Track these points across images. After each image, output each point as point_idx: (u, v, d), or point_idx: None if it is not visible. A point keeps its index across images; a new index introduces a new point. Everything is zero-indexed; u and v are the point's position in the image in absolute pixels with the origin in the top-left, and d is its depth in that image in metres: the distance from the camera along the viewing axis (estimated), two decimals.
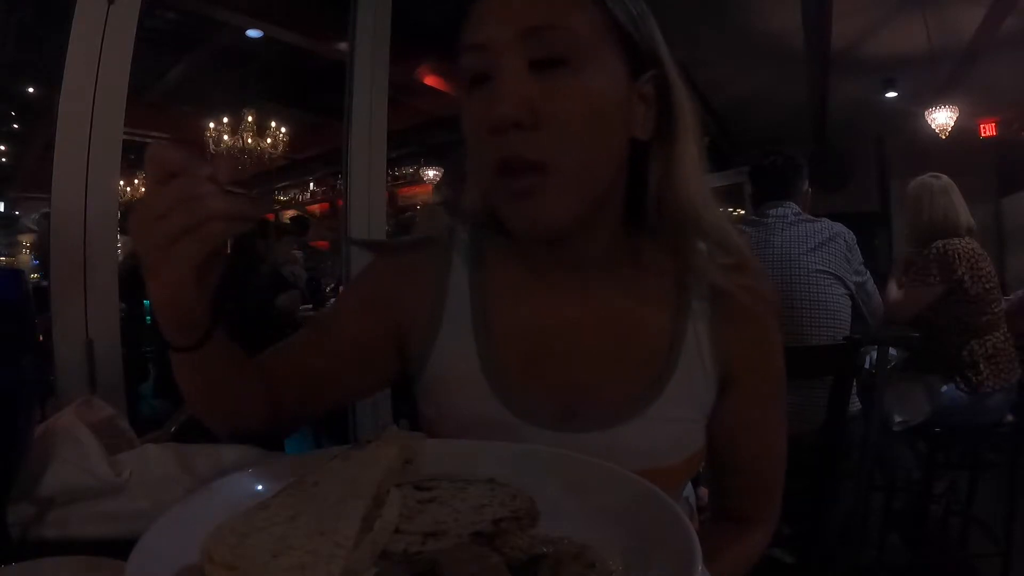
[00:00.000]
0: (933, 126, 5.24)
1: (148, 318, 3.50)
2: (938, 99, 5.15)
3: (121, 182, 2.97)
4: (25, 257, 6.60)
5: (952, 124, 5.20)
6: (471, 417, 0.67)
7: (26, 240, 6.77)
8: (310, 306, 3.94)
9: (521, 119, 0.57)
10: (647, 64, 0.64)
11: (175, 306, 0.52)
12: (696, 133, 0.66)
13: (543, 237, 0.64)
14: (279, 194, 8.63)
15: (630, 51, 0.63)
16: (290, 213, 8.34)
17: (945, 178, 2.37)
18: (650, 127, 0.65)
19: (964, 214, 2.31)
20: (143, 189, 0.52)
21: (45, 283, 1.37)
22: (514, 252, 0.70)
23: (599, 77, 0.60)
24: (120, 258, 1.61)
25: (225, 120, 5.95)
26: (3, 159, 6.37)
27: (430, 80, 4.79)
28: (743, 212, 4.36)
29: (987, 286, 2.22)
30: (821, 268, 1.98)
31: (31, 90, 5.00)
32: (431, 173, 6.70)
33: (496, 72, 0.59)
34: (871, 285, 2.15)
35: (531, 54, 0.58)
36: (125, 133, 1.38)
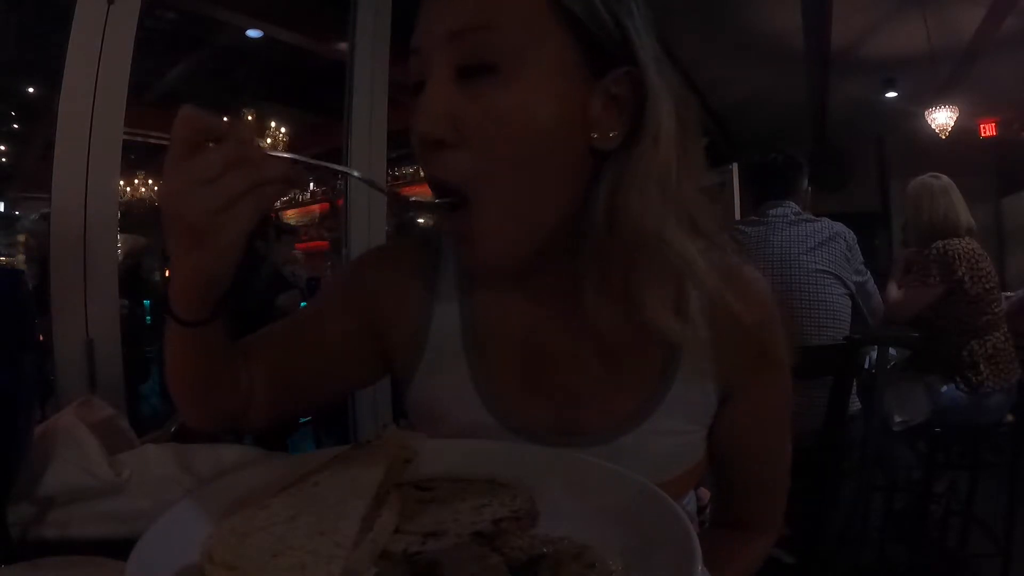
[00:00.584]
0: (933, 126, 5.24)
1: (148, 318, 3.50)
2: (938, 99, 5.15)
3: (121, 182, 2.97)
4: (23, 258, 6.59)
5: (952, 124, 5.20)
6: (464, 433, 0.63)
7: (26, 240, 6.76)
8: None
9: (443, 136, 0.52)
10: (618, 59, 0.54)
11: (208, 274, 0.50)
12: (671, 144, 0.55)
13: (499, 269, 0.60)
14: None
15: (590, 43, 0.53)
16: (291, 213, 8.33)
17: (945, 178, 2.37)
18: (623, 134, 0.55)
19: (964, 214, 2.31)
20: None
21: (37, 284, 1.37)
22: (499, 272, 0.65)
23: (539, 85, 0.52)
24: (120, 258, 1.61)
25: (225, 120, 5.93)
26: (3, 159, 6.37)
27: None
28: None
29: (987, 286, 2.22)
30: (821, 268, 1.98)
31: (31, 90, 4.99)
32: None
33: (427, 81, 0.53)
34: (871, 285, 2.15)
35: (459, 60, 0.52)
36: (125, 133, 1.38)
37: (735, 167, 2.91)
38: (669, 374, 0.63)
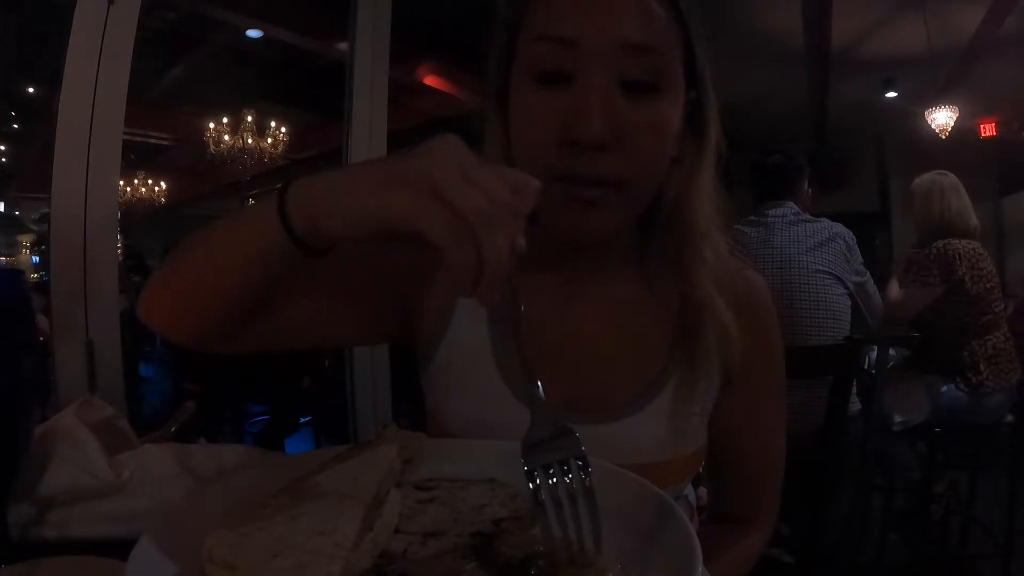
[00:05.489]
0: (933, 126, 5.23)
1: None
2: (938, 99, 5.15)
3: (121, 182, 2.96)
4: (25, 257, 6.60)
5: (952, 124, 5.19)
6: (479, 403, 0.67)
7: (26, 240, 6.77)
8: None
9: (607, 140, 0.56)
10: (694, 84, 0.63)
11: (377, 228, 0.46)
12: (719, 156, 0.66)
13: (591, 243, 0.64)
14: None
15: (691, 73, 0.62)
16: None
17: (952, 176, 2.37)
18: (679, 145, 0.65)
19: (973, 213, 2.31)
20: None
21: (46, 279, 1.37)
22: (530, 245, 0.69)
23: (675, 103, 0.60)
24: (120, 258, 1.61)
25: (225, 120, 5.93)
26: (3, 159, 6.37)
27: (430, 80, 4.78)
28: None
29: (987, 286, 2.21)
30: (821, 268, 1.98)
31: (31, 90, 4.99)
32: None
33: (585, 81, 0.57)
34: (871, 285, 2.15)
35: (624, 72, 0.57)
36: (125, 133, 1.38)
37: None
38: (675, 358, 0.67)
